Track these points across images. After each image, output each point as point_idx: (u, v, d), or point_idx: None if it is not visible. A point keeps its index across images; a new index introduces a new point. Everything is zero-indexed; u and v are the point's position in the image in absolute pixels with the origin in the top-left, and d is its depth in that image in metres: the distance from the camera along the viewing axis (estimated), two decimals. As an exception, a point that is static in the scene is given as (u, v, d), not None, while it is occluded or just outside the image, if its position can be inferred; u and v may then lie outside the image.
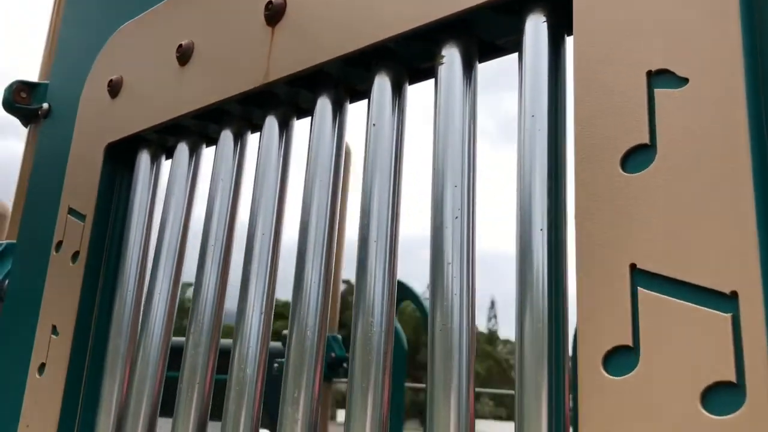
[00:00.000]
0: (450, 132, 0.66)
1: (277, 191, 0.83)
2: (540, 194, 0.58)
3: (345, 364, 2.97)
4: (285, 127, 0.86)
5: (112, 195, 1.04)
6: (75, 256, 1.02)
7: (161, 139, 1.02)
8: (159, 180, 1.03)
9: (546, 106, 0.59)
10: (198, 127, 0.96)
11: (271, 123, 0.86)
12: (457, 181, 0.64)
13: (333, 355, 2.93)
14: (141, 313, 0.97)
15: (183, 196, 0.95)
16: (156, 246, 0.94)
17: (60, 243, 1.06)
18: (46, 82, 1.33)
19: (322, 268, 0.75)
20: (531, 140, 0.59)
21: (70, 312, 0.99)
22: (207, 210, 0.89)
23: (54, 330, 1.01)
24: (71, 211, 1.06)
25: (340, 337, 3.06)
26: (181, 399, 0.83)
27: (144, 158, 1.02)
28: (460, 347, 0.60)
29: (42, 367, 1.01)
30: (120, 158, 1.05)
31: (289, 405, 0.71)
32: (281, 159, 0.85)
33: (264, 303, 0.80)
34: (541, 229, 0.57)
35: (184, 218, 0.95)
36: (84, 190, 1.04)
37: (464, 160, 0.65)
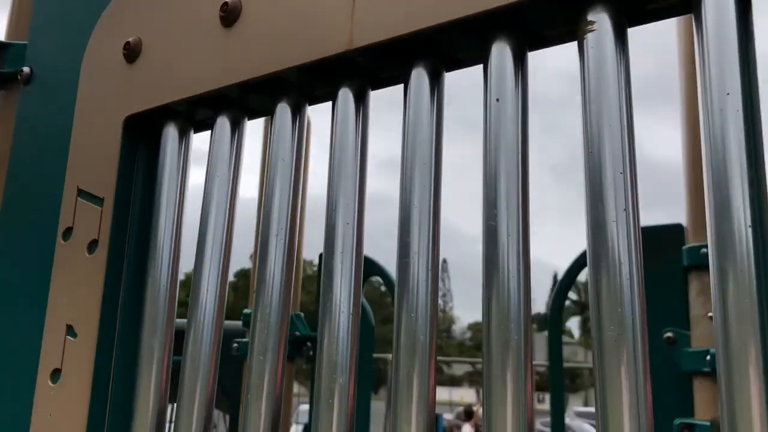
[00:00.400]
0: (605, 109, 0.57)
1: (358, 170, 0.73)
2: (739, 184, 0.50)
3: (309, 343, 2.86)
4: (362, 100, 0.76)
5: (132, 174, 0.91)
6: (92, 245, 0.89)
7: (191, 111, 0.89)
8: (189, 156, 0.91)
9: (739, 80, 0.52)
10: (244, 99, 0.84)
11: (346, 95, 0.75)
12: (620, 166, 0.56)
13: (297, 333, 2.83)
14: (176, 307, 0.86)
15: (227, 175, 0.84)
16: (200, 231, 0.82)
17: (69, 230, 0.92)
18: (22, 42, 1.16)
19: (430, 256, 0.66)
20: (723, 122, 0.51)
21: (91, 310, 0.86)
22: (266, 192, 0.78)
23: (70, 331, 0.88)
24: (82, 194, 0.92)
25: (302, 314, 2.96)
26: (249, 413, 0.73)
27: (171, 132, 0.90)
28: (635, 345, 0.53)
29: (56, 374, 0.88)
30: (140, 132, 0.91)
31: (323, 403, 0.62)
32: (359, 134, 0.74)
33: (352, 296, 0.70)
34: (749, 226, 0.49)
35: (230, 199, 0.83)
36: (99, 170, 0.91)
37: (624, 142, 0.57)
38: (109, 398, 0.86)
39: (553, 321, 2.00)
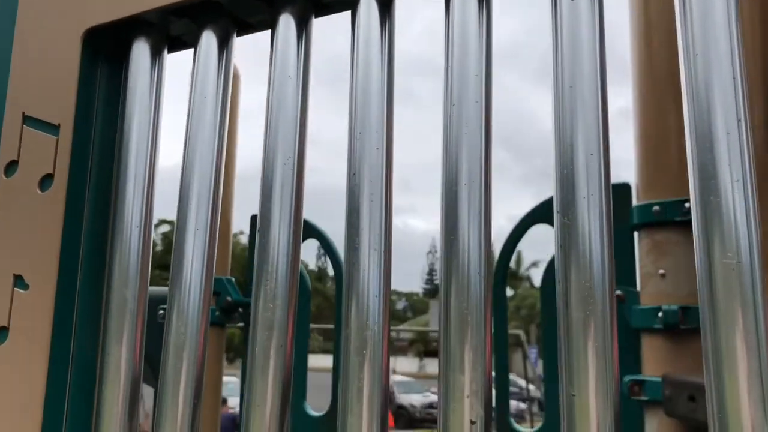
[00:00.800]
0: (709, 22, 0.49)
1: (385, 86, 0.63)
2: None
3: (241, 309, 2.72)
4: (387, 9, 0.65)
5: (94, 97, 0.77)
6: (45, 180, 0.75)
7: (166, 23, 0.76)
8: (163, 77, 0.77)
9: None
10: (235, 8, 0.72)
11: (369, 3, 0.64)
12: (729, 71, 0.48)
13: (229, 299, 2.69)
14: (151, 253, 0.74)
15: (215, 99, 0.71)
16: (185, 164, 0.70)
17: (13, 163, 0.77)
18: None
19: (482, 206, 0.57)
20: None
21: (47, 256, 0.73)
22: (269, 122, 0.66)
23: (19, 282, 0.74)
24: (30, 121, 0.77)
25: (233, 279, 2.81)
26: (255, 367, 0.62)
27: (142, 49, 0.76)
28: (752, 273, 0.46)
29: (1, 333, 0.74)
30: (103, 48, 0.77)
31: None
32: (385, 46, 0.64)
33: (382, 245, 0.60)
34: None
35: (219, 131, 0.71)
36: (52, 93, 0.76)
37: (734, 45, 0.49)
38: (71, 359, 0.73)
39: (497, 284, 1.96)
